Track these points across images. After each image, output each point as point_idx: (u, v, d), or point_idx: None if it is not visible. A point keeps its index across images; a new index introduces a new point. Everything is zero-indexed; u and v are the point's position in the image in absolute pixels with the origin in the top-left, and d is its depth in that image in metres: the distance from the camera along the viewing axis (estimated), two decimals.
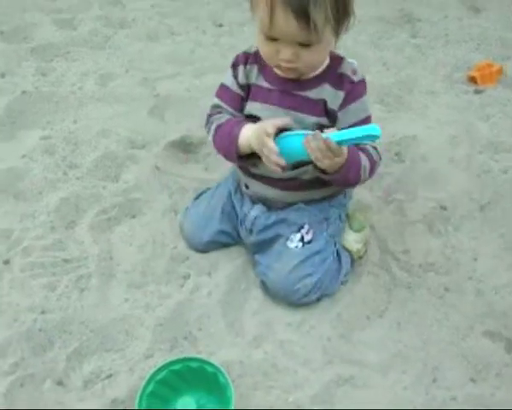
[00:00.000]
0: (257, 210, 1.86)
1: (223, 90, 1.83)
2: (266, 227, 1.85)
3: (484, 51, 3.09)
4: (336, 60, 1.73)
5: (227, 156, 1.79)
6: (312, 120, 1.69)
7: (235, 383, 1.53)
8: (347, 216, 1.92)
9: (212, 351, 1.65)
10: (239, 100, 1.80)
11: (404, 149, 2.37)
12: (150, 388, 1.49)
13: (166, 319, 1.73)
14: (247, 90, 1.79)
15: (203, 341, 1.69)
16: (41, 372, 1.61)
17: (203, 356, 1.59)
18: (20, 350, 1.66)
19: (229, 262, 1.91)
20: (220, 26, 3.34)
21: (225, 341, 1.69)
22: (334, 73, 1.70)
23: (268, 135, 1.59)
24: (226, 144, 1.75)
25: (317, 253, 1.80)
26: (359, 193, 2.10)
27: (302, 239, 1.81)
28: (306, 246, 1.80)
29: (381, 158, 1.75)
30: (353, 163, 1.62)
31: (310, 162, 1.62)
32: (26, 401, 1.55)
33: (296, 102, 1.71)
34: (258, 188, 1.85)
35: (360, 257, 1.92)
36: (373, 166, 1.70)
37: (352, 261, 1.89)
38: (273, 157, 1.59)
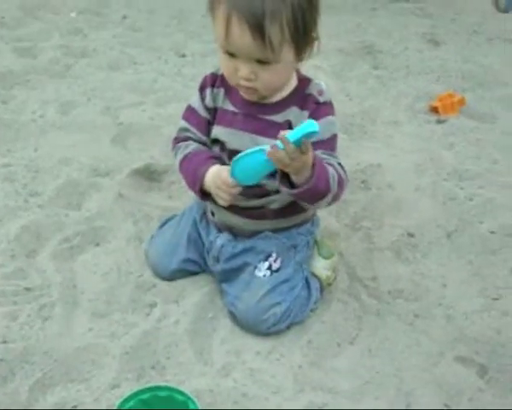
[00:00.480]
0: (223, 238, 1.83)
1: (190, 113, 1.82)
2: (233, 256, 1.81)
3: (444, 83, 3.15)
4: (303, 81, 1.72)
5: (191, 190, 1.77)
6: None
7: None
8: (316, 243, 1.90)
9: (181, 380, 1.60)
10: (205, 124, 1.78)
11: (369, 177, 2.38)
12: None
13: (133, 348, 1.68)
14: (214, 114, 1.77)
15: (171, 370, 1.63)
16: (2, 404, 1.53)
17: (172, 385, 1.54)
18: None
19: (196, 290, 1.87)
20: (183, 56, 3.34)
21: (194, 370, 1.64)
22: (301, 94, 1.69)
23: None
24: (190, 182, 1.75)
25: (286, 281, 1.77)
26: (326, 220, 2.09)
27: (270, 267, 1.78)
28: (274, 274, 1.77)
29: (347, 177, 1.71)
30: (321, 170, 1.56)
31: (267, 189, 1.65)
32: None
33: (261, 126, 1.69)
34: (224, 216, 1.82)
35: (329, 284, 1.89)
36: (340, 179, 1.65)
37: (322, 288, 1.86)
38: (230, 192, 1.61)
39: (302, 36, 1.55)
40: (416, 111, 2.88)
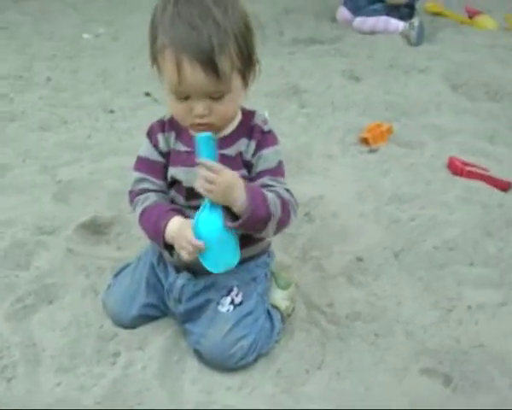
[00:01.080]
0: (183, 278, 1.82)
1: (142, 163, 1.82)
2: (195, 294, 1.81)
3: (370, 115, 3.26)
4: (248, 114, 1.77)
5: (154, 242, 1.80)
6: None
7: None
8: (273, 275, 1.93)
9: None
10: (161, 168, 1.80)
11: (312, 209, 2.43)
12: None
13: (104, 398, 1.65)
14: (168, 157, 1.79)
15: None
16: None
17: None
18: None
19: (158, 335, 1.85)
20: (111, 112, 3.35)
21: None
22: (248, 125, 1.74)
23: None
24: (152, 236, 1.77)
25: (249, 313, 1.78)
26: (276, 255, 2.11)
27: (233, 302, 1.79)
28: (238, 308, 1.78)
29: (296, 201, 1.75)
30: (256, 196, 1.60)
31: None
32: None
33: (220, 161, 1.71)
34: None
35: (289, 315, 1.92)
36: (284, 203, 1.68)
37: (283, 319, 1.88)
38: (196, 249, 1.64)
39: (247, 61, 1.63)
40: (348, 144, 2.98)
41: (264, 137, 1.74)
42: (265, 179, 1.70)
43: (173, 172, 1.77)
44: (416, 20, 4.44)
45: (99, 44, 4.52)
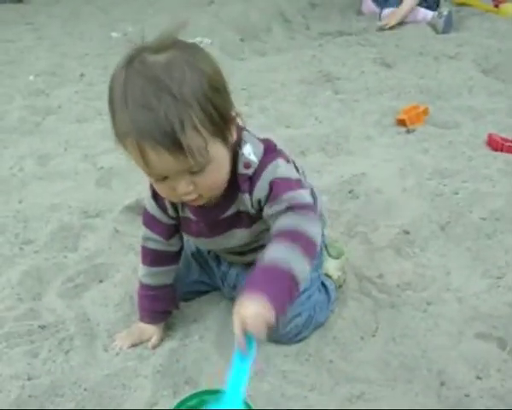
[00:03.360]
0: (237, 267, 1.81)
1: (150, 220, 1.74)
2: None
3: (405, 98, 3.26)
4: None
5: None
6: (245, 232, 1.64)
7: None
8: (324, 245, 1.92)
9: None
10: (171, 229, 1.73)
11: (356, 187, 2.43)
12: None
13: (163, 367, 1.66)
14: (178, 220, 1.71)
15: (205, 383, 1.62)
16: None
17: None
18: None
19: (213, 307, 1.86)
20: None
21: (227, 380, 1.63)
22: (233, 181, 1.55)
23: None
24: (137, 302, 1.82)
25: (304, 291, 1.74)
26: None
27: None
28: None
29: (309, 200, 1.55)
30: (278, 297, 1.35)
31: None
32: None
33: (224, 225, 1.64)
34: (231, 259, 1.83)
35: (340, 285, 1.92)
36: (299, 234, 1.45)
37: (336, 288, 1.88)
38: None
39: (221, 124, 1.41)
40: (385, 126, 2.98)
41: (253, 182, 1.54)
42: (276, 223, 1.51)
43: (189, 238, 1.75)
44: (445, 10, 4.44)
45: (127, 42, 4.54)
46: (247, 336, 1.30)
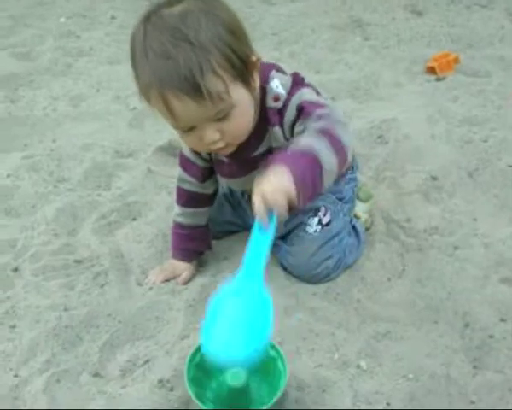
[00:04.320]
0: None
1: (185, 162, 1.79)
2: (284, 223, 1.79)
3: (435, 46, 3.24)
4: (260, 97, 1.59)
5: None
6: None
7: None
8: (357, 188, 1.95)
9: None
10: (204, 172, 1.78)
11: (385, 132, 2.44)
12: (196, 359, 1.46)
13: (196, 301, 1.71)
14: (211, 162, 1.76)
15: None
16: (75, 367, 1.56)
17: None
18: (50, 348, 1.60)
19: (243, 245, 1.87)
20: None
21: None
22: (263, 115, 1.59)
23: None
24: (172, 241, 1.87)
25: (336, 235, 1.79)
26: None
27: (320, 222, 1.79)
28: (325, 228, 1.78)
29: (337, 117, 1.52)
30: (295, 164, 1.33)
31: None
32: (66, 394, 1.50)
33: (255, 162, 1.65)
34: None
35: (368, 228, 1.95)
36: (332, 138, 1.42)
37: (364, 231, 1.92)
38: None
39: (242, 68, 1.44)
40: (415, 73, 2.97)
41: (282, 114, 1.58)
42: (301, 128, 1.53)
43: (222, 181, 1.80)
44: None
45: None
46: (268, 211, 1.29)
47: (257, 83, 1.52)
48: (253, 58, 1.48)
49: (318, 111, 1.52)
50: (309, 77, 1.69)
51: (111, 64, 3.17)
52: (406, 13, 3.68)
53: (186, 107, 1.38)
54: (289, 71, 1.69)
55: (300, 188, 1.30)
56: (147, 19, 1.42)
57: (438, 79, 2.88)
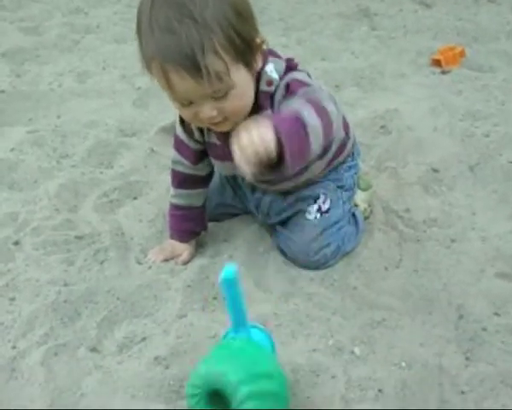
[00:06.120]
0: (271, 194, 1.84)
1: (179, 144, 1.80)
2: (283, 209, 1.84)
3: (442, 39, 3.25)
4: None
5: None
6: None
7: (273, 334, 1.53)
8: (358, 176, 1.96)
9: None
10: (197, 154, 1.79)
11: (388, 122, 2.46)
12: None
13: (194, 281, 1.74)
14: (204, 144, 1.76)
15: None
16: (73, 341, 1.58)
17: None
18: (49, 322, 1.62)
19: (244, 228, 1.92)
20: None
21: (255, 297, 1.69)
22: (258, 96, 1.59)
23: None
24: (168, 221, 1.88)
25: (335, 222, 1.81)
26: None
27: (319, 209, 1.80)
28: (324, 216, 1.80)
29: (329, 96, 1.55)
30: (279, 120, 1.38)
31: None
32: (63, 368, 1.51)
33: None
34: (263, 188, 1.85)
35: (366, 217, 1.97)
36: (318, 107, 1.45)
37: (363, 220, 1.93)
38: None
39: (245, 50, 1.45)
40: (420, 65, 2.98)
41: (273, 98, 1.59)
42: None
43: (215, 163, 1.80)
44: None
45: None
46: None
47: (259, 65, 1.54)
48: (258, 40, 1.50)
49: (305, 88, 1.56)
50: (315, 64, 1.71)
51: (118, 42, 3.18)
52: (414, 4, 3.69)
53: (185, 83, 1.40)
54: (297, 59, 1.70)
55: (285, 140, 1.32)
56: None
57: (443, 72, 2.89)
